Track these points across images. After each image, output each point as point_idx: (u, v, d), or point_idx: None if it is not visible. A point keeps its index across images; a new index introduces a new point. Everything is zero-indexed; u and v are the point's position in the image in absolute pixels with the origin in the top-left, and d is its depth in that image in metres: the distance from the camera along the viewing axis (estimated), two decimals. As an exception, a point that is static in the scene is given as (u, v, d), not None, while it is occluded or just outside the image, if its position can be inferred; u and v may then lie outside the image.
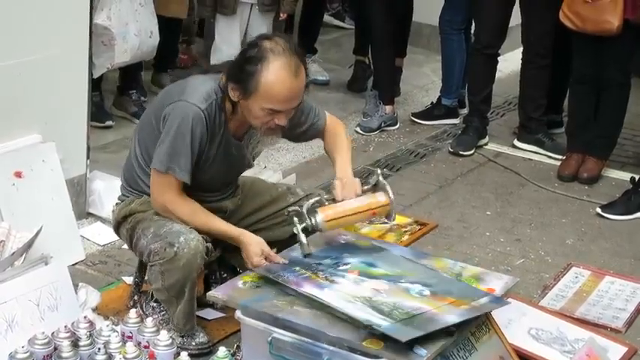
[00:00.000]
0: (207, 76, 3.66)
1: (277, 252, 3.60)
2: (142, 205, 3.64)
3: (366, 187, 3.59)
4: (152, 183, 3.58)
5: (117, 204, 3.77)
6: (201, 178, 3.59)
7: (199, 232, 3.52)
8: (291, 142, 4.23)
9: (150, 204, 3.62)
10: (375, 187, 3.61)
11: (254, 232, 3.72)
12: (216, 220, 3.61)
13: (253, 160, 3.81)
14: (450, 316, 3.15)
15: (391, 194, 3.56)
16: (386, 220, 3.70)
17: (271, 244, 3.62)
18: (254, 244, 3.55)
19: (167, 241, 3.47)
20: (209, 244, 3.54)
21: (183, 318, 3.61)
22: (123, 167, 3.79)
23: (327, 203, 3.56)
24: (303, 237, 3.50)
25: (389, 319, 3.11)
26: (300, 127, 3.76)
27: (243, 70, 3.40)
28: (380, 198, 3.57)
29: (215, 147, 3.57)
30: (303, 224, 3.50)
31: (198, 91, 3.50)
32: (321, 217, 3.49)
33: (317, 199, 3.58)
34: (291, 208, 3.61)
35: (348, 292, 3.29)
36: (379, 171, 3.64)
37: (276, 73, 3.36)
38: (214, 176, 3.65)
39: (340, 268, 3.47)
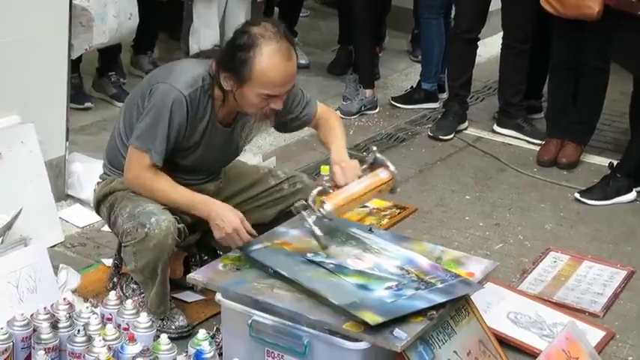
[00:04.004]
0: (198, 61, 3.62)
1: (259, 234, 3.57)
2: (122, 183, 3.62)
3: (364, 167, 3.57)
4: (128, 158, 3.55)
5: (98, 183, 3.76)
6: (184, 162, 3.59)
7: (168, 205, 3.50)
8: (282, 132, 4.20)
9: None
10: (374, 165, 3.58)
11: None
12: (180, 187, 3.55)
13: (245, 146, 3.77)
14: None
15: (392, 167, 3.55)
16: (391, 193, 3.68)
17: (253, 227, 3.58)
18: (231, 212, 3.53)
19: (139, 222, 3.46)
20: (181, 226, 3.52)
21: (157, 300, 3.60)
22: (106, 147, 3.76)
23: (330, 191, 3.49)
24: (317, 230, 3.41)
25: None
26: (290, 113, 3.74)
27: (235, 59, 3.38)
28: (382, 174, 3.55)
29: (199, 133, 3.55)
30: (314, 216, 3.42)
31: (184, 75, 3.48)
32: (329, 206, 3.41)
33: (320, 188, 3.49)
34: (297, 204, 3.54)
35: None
36: (375, 148, 3.63)
37: (269, 58, 3.34)
38: (198, 162, 3.63)
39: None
